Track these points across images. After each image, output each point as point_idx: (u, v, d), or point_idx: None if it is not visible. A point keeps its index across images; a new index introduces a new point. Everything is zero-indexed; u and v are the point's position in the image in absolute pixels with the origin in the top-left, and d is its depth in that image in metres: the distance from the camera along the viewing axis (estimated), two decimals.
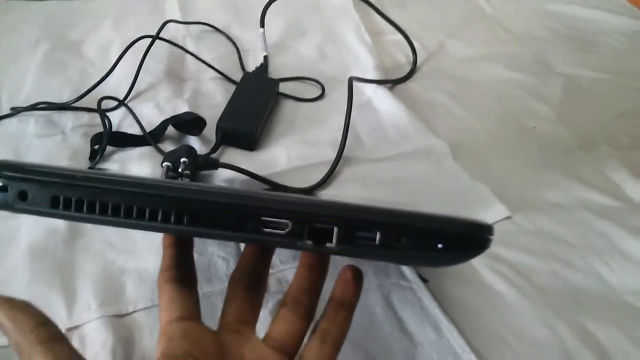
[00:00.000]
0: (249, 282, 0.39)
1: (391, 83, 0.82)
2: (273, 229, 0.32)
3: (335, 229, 0.31)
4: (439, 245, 0.31)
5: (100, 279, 0.51)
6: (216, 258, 0.54)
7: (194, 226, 0.32)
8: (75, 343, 0.46)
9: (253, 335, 0.37)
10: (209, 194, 0.32)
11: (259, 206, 0.32)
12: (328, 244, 0.31)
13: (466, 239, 0.32)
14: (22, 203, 0.32)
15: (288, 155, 0.68)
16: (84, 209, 0.32)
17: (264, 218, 0.31)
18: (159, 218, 0.32)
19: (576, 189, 0.68)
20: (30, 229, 0.55)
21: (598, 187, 0.68)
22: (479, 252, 0.32)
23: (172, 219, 0.32)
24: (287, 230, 0.31)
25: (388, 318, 0.51)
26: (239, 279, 0.39)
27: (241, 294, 0.38)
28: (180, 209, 0.31)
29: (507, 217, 0.62)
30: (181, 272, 0.38)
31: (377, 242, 0.31)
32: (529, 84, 0.86)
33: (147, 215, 0.32)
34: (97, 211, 0.32)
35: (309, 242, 0.31)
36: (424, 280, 0.54)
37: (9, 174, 0.32)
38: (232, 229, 0.32)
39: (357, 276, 0.38)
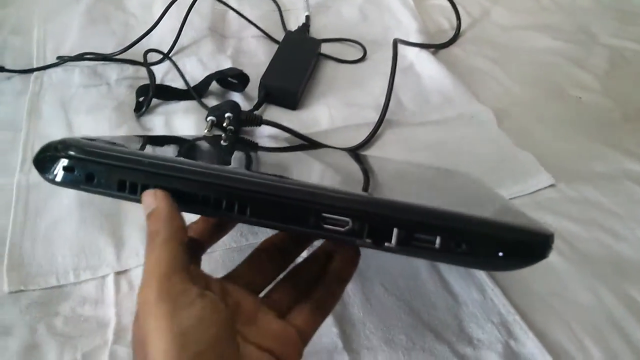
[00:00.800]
0: (275, 254, 0.39)
1: (434, 48, 0.81)
2: (333, 225, 0.31)
3: (395, 230, 0.31)
4: (500, 254, 0.30)
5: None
6: None
7: (257, 217, 0.32)
8: (124, 287, 0.47)
9: (251, 294, 0.37)
10: (275, 188, 0.32)
11: (320, 202, 0.31)
12: (387, 244, 0.31)
13: (527, 248, 0.31)
14: (88, 184, 0.33)
15: (330, 115, 0.68)
16: None
17: (324, 214, 0.31)
18: (223, 207, 0.32)
19: (621, 160, 0.67)
20: None
21: None
22: (538, 260, 0.31)
23: (236, 209, 0.32)
24: (347, 227, 0.31)
25: (432, 277, 0.51)
26: (267, 247, 0.40)
27: (261, 261, 0.39)
28: (244, 200, 0.32)
29: (551, 185, 0.62)
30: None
31: (436, 246, 0.31)
32: (573, 54, 0.84)
33: (211, 203, 0.32)
34: None
35: (368, 241, 0.31)
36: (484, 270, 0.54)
37: (77, 155, 0.33)
38: (293, 223, 0.32)
39: (358, 256, 0.39)
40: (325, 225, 0.31)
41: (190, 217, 0.34)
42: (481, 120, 0.69)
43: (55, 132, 0.60)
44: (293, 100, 0.68)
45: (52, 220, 0.51)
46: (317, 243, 0.42)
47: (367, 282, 0.49)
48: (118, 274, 0.48)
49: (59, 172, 0.33)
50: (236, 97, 0.68)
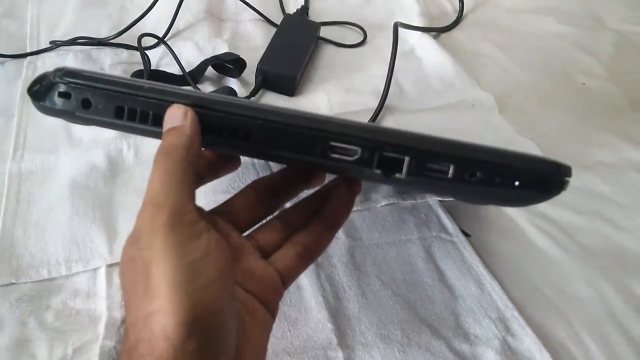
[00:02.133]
0: (265, 194, 0.38)
1: (436, 31, 0.79)
2: (341, 155, 0.30)
3: (407, 159, 0.30)
4: (516, 183, 0.29)
5: None
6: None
7: (260, 146, 0.31)
8: (116, 280, 0.46)
9: (237, 231, 0.36)
10: (279, 115, 0.31)
11: (328, 130, 0.30)
12: (397, 174, 0.30)
13: (544, 178, 0.30)
14: (84, 111, 0.31)
15: (328, 102, 0.67)
16: (149, 121, 0.31)
17: (332, 143, 0.30)
18: (226, 135, 0.31)
19: (625, 149, 0.65)
20: (70, 164, 0.54)
21: None
22: (555, 193, 0.30)
23: (239, 136, 0.31)
24: (355, 157, 0.30)
25: (429, 270, 0.50)
26: (257, 187, 0.38)
27: (249, 199, 0.38)
28: (248, 128, 0.31)
29: None
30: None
31: (449, 175, 0.29)
32: (579, 39, 0.82)
33: (214, 131, 0.31)
34: (163, 124, 0.31)
35: (377, 172, 0.30)
36: (466, 234, 0.53)
37: (73, 80, 0.31)
38: (299, 152, 0.31)
39: (350, 200, 0.38)
40: (333, 155, 0.30)
41: None
42: (483, 108, 0.67)
43: (49, 118, 0.58)
44: (291, 86, 0.67)
45: (45, 209, 0.51)
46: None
47: (363, 276, 0.48)
48: (110, 266, 0.47)
49: (54, 99, 0.32)
50: (232, 82, 0.66)
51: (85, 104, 0.31)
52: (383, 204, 0.54)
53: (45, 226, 0.49)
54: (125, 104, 0.31)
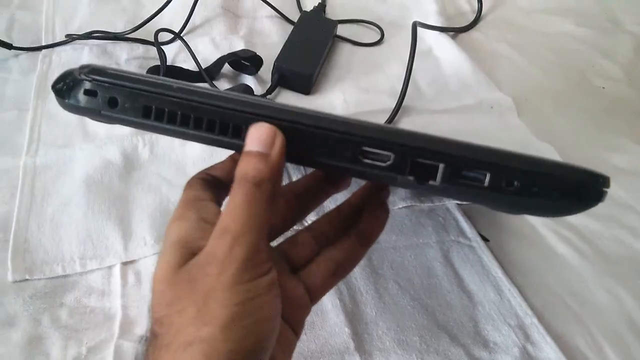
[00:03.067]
0: (292, 201, 0.36)
1: (454, 31, 0.79)
2: (373, 160, 0.29)
3: (442, 166, 0.28)
4: (554, 194, 0.28)
5: (156, 214, 0.50)
6: None
7: (290, 150, 0.29)
8: (131, 278, 0.46)
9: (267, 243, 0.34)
10: (309, 118, 0.30)
11: (361, 135, 0.29)
12: (431, 182, 0.29)
13: (583, 188, 0.29)
14: (110, 110, 0.30)
15: (344, 101, 0.66)
16: (177, 122, 0.30)
17: (365, 148, 0.29)
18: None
19: None
20: (85, 159, 0.54)
21: None
22: (593, 204, 0.29)
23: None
24: (388, 163, 0.29)
25: (447, 275, 0.49)
26: (284, 193, 0.37)
27: (279, 206, 0.36)
28: (281, 133, 0.29)
29: None
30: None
31: (485, 184, 0.28)
32: (598, 41, 0.81)
33: (243, 134, 0.30)
34: (190, 125, 0.30)
35: (410, 178, 0.29)
36: (485, 239, 0.52)
37: (99, 78, 0.30)
38: (330, 157, 0.30)
39: (386, 214, 0.36)
40: (365, 160, 0.29)
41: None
42: (500, 110, 0.67)
43: (64, 113, 0.58)
44: (307, 84, 0.66)
45: (59, 204, 0.50)
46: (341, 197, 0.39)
47: (380, 279, 0.48)
48: (125, 264, 0.47)
49: (79, 96, 0.31)
50: (249, 80, 0.66)
51: (112, 103, 0.31)
52: (400, 206, 0.54)
53: (60, 222, 0.49)
54: (153, 103, 0.30)
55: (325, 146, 0.29)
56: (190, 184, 0.33)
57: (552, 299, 0.49)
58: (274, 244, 0.36)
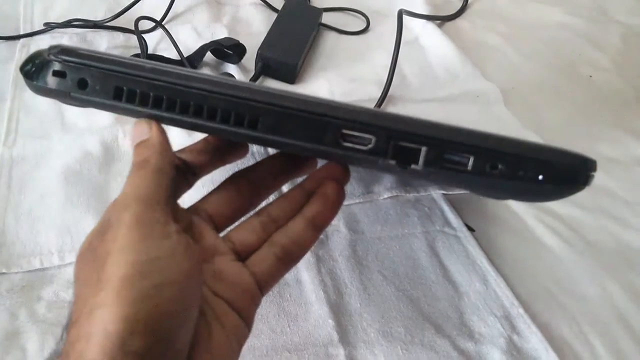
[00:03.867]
0: (245, 185, 0.35)
1: (441, 20, 0.78)
2: (354, 143, 0.29)
3: (424, 149, 0.28)
4: (539, 177, 0.28)
5: None
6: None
7: (267, 133, 0.29)
8: None
9: (212, 231, 0.34)
10: (288, 99, 0.29)
11: (341, 117, 0.28)
12: (413, 166, 0.28)
13: (569, 172, 0.28)
14: (80, 92, 0.29)
15: (330, 91, 0.65)
16: (149, 104, 0.29)
17: (345, 131, 0.28)
18: (231, 121, 0.29)
19: (632, 144, 0.64)
20: (64, 150, 0.52)
21: None
22: (579, 188, 0.29)
23: (246, 124, 0.29)
24: (369, 146, 0.28)
25: (433, 265, 0.48)
26: (237, 179, 0.36)
27: (230, 192, 0.35)
28: (255, 113, 0.29)
29: None
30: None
31: (469, 167, 0.28)
32: (586, 31, 0.81)
33: (218, 116, 0.29)
34: (163, 107, 0.29)
35: (392, 162, 0.28)
36: (470, 228, 0.52)
37: (69, 58, 0.29)
38: (309, 140, 0.29)
39: (339, 198, 0.34)
40: (345, 144, 0.29)
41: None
42: (487, 99, 0.66)
43: (42, 103, 0.57)
44: (292, 73, 0.65)
45: (37, 196, 0.49)
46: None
47: (365, 270, 0.47)
48: None
49: (48, 78, 0.30)
50: (232, 69, 0.64)
51: (82, 84, 0.29)
52: (385, 196, 0.53)
53: (38, 214, 0.48)
54: (125, 84, 0.29)
55: (304, 129, 0.29)
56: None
57: (538, 289, 0.48)
58: (224, 233, 0.34)
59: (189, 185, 0.35)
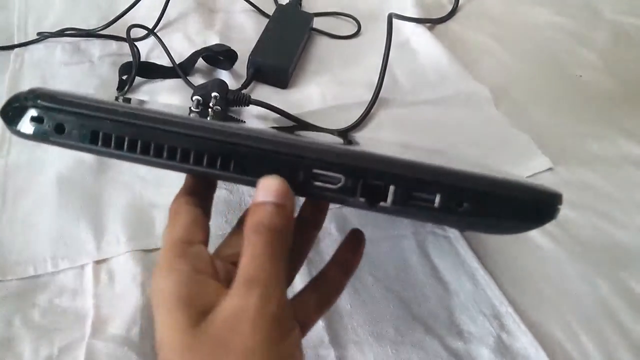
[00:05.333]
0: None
1: (431, 22, 0.78)
2: (324, 182, 0.29)
3: (392, 187, 0.29)
4: (505, 213, 0.28)
5: (129, 212, 0.50)
6: (248, 198, 0.52)
7: (241, 174, 0.30)
8: (103, 277, 0.46)
9: None
10: (259, 140, 0.29)
11: (311, 157, 0.29)
12: (382, 203, 0.29)
13: (535, 207, 0.29)
14: (58, 136, 0.30)
15: (322, 94, 0.66)
16: (125, 147, 0.30)
17: (315, 171, 0.29)
18: (205, 162, 0.30)
19: (621, 142, 0.64)
20: (58, 158, 0.53)
21: None
22: (545, 222, 0.29)
23: (219, 164, 0.29)
24: (339, 185, 0.29)
25: (423, 266, 0.49)
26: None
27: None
28: (228, 155, 0.29)
29: (549, 169, 0.60)
30: (204, 202, 0.35)
31: (436, 205, 0.28)
32: (576, 30, 0.81)
33: (191, 158, 0.29)
34: (138, 150, 0.30)
35: (361, 200, 0.29)
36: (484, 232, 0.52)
37: (46, 104, 0.30)
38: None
39: (363, 242, 0.37)
40: (316, 183, 0.29)
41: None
42: (478, 101, 0.67)
43: None
44: (283, 78, 0.65)
45: (31, 205, 0.50)
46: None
47: (356, 272, 0.47)
48: (97, 263, 0.46)
49: (26, 123, 0.30)
50: (224, 75, 0.65)
51: (59, 129, 0.30)
52: None
53: (32, 222, 0.48)
54: (101, 128, 0.30)
55: (277, 169, 0.29)
56: (177, 211, 0.32)
57: (527, 288, 0.49)
58: None
59: (208, 214, 0.35)
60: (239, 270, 0.28)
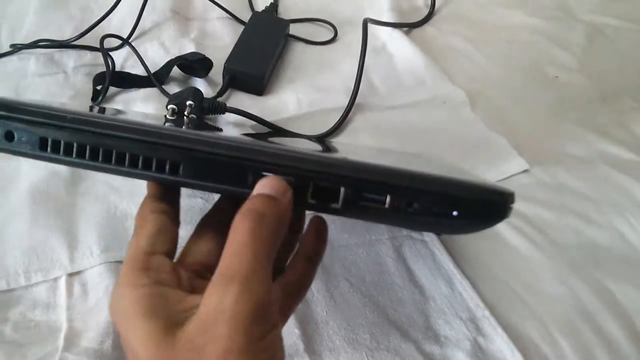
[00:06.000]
0: (220, 227, 0.35)
1: (407, 27, 0.79)
2: None
3: (342, 189, 0.29)
4: (454, 213, 0.28)
5: (103, 223, 0.49)
6: None
7: (190, 178, 0.29)
8: (76, 289, 0.45)
9: None
10: (207, 144, 0.29)
11: (259, 160, 0.29)
12: (333, 205, 0.29)
13: (485, 206, 0.29)
14: (7, 143, 0.30)
15: (298, 101, 0.66)
16: (74, 154, 0.30)
17: (264, 173, 0.29)
18: (153, 168, 0.29)
19: (597, 142, 0.65)
20: (31, 169, 0.53)
21: (620, 141, 0.65)
22: (497, 221, 0.30)
23: (167, 169, 0.29)
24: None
25: (399, 270, 0.49)
26: (208, 222, 0.36)
27: (210, 236, 0.35)
28: (176, 159, 0.29)
29: (525, 171, 0.60)
30: (171, 208, 0.34)
31: (386, 205, 0.29)
32: (551, 31, 0.82)
33: (140, 163, 0.29)
34: (87, 156, 0.30)
35: (312, 202, 0.29)
36: (437, 232, 0.52)
37: None
38: (230, 184, 0.29)
39: (326, 230, 0.37)
40: None
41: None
42: (454, 104, 0.67)
43: None
44: (259, 85, 0.65)
45: (3, 217, 0.49)
46: None
47: (331, 278, 0.48)
48: (71, 275, 0.46)
49: None
50: (199, 83, 0.65)
51: (9, 136, 0.30)
52: None
53: (4, 235, 0.48)
54: (49, 135, 0.30)
55: (226, 173, 0.29)
56: (142, 219, 0.32)
57: (504, 291, 0.49)
58: None
59: (177, 216, 0.35)
60: (218, 266, 0.27)
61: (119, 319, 0.28)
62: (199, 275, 0.33)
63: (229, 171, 0.29)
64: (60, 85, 0.62)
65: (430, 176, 0.29)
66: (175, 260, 0.33)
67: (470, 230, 0.30)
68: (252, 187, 0.29)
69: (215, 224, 0.35)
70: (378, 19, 0.75)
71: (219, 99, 0.62)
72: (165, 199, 0.34)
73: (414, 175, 0.29)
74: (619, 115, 0.69)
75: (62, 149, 0.30)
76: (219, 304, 0.26)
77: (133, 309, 0.27)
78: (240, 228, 0.27)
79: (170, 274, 0.30)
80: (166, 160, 0.29)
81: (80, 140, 0.29)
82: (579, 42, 0.80)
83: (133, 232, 0.32)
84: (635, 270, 0.52)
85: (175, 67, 0.64)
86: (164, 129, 0.31)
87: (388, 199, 0.28)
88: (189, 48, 0.69)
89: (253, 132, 0.60)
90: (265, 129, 0.60)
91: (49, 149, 0.30)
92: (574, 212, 0.57)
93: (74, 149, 0.30)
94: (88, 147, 0.29)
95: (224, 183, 0.29)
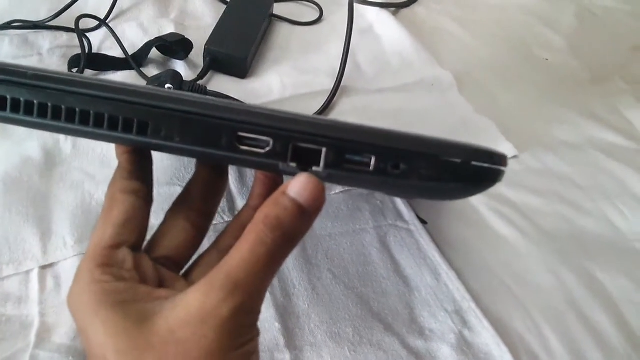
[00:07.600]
0: (195, 216, 0.34)
1: (395, 7, 0.76)
2: (251, 147, 0.27)
3: (324, 150, 0.27)
4: (444, 176, 0.26)
5: (78, 213, 0.48)
6: None
7: (159, 139, 0.27)
8: (49, 283, 0.43)
9: (181, 279, 0.32)
10: (178, 102, 0.27)
11: (235, 119, 0.27)
12: (314, 168, 0.27)
13: (476, 169, 0.27)
14: None
15: (282, 84, 0.64)
16: (34, 113, 0.28)
17: (240, 134, 0.27)
18: (120, 127, 0.27)
19: (587, 127, 0.64)
20: (3, 157, 0.51)
21: (610, 125, 0.64)
22: (489, 185, 0.28)
23: (135, 129, 0.27)
24: (267, 149, 0.27)
25: (384, 261, 0.48)
26: (187, 212, 0.34)
27: (187, 231, 0.33)
28: (143, 117, 0.27)
29: (514, 156, 0.58)
30: (143, 185, 0.32)
31: (371, 168, 0.27)
32: (541, 12, 0.80)
33: (105, 123, 0.27)
34: (48, 116, 0.28)
35: (293, 165, 0.27)
36: (423, 221, 0.51)
37: None
38: (203, 145, 0.27)
39: (281, 178, 0.35)
40: (242, 147, 0.27)
41: None
42: (441, 87, 0.65)
43: None
44: (242, 67, 0.63)
45: None
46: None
47: (314, 270, 0.46)
48: (43, 268, 0.44)
49: None
50: (179, 65, 0.63)
51: None
52: (338, 191, 0.52)
53: None
54: (7, 93, 0.28)
55: (198, 133, 0.27)
56: (112, 200, 0.31)
57: (491, 281, 0.48)
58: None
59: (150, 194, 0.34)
60: (223, 265, 0.26)
61: (81, 314, 0.27)
62: (166, 267, 0.32)
63: (201, 131, 0.27)
64: None
65: (418, 137, 0.27)
66: (145, 246, 0.32)
67: (459, 196, 0.29)
68: (228, 148, 0.27)
69: (186, 211, 0.34)
70: None
71: (200, 82, 0.59)
72: (137, 174, 0.32)
73: (400, 136, 0.27)
74: (609, 97, 0.68)
75: (22, 108, 0.28)
76: (215, 306, 0.25)
77: (97, 303, 0.26)
78: (261, 237, 0.26)
79: (132, 272, 0.29)
80: (133, 119, 0.27)
81: (42, 99, 0.27)
82: (569, 23, 0.79)
83: (100, 213, 0.31)
84: (625, 259, 0.51)
85: (154, 48, 0.62)
86: (132, 86, 0.28)
87: (373, 160, 0.27)
88: (168, 29, 0.66)
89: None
90: None
91: (7, 109, 0.28)
92: (563, 199, 0.55)
93: (35, 108, 0.28)
94: (50, 106, 0.27)
95: (196, 144, 0.27)
